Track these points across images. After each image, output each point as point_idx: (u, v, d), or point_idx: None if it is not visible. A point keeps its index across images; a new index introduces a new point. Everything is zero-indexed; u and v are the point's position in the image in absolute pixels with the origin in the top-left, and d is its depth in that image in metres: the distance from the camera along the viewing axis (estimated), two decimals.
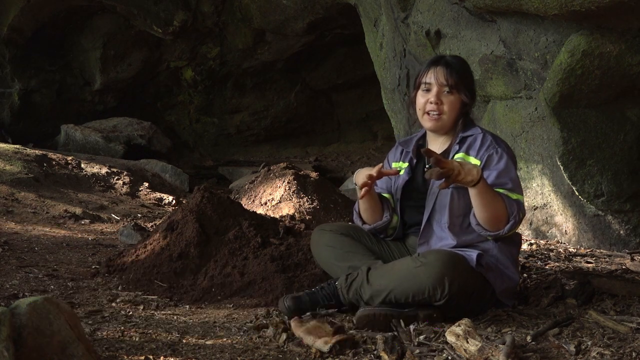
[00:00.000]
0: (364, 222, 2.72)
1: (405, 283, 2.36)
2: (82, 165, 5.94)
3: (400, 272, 2.39)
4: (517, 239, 2.66)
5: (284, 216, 3.87)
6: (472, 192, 2.37)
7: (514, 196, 2.44)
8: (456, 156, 2.55)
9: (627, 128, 3.61)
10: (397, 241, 2.75)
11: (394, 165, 2.76)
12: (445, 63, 2.57)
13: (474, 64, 4.03)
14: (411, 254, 2.57)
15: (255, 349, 2.20)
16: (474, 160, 2.51)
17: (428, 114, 2.57)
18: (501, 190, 2.43)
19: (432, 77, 2.56)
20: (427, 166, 2.61)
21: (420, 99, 2.59)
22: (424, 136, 2.74)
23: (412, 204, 2.66)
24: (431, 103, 2.55)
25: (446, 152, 2.60)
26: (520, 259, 3.46)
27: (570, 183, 3.73)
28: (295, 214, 4.50)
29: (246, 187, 5.39)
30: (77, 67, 8.68)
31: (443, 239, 2.53)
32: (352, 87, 9.35)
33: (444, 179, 2.29)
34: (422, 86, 2.58)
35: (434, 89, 2.55)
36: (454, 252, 2.43)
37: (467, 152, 2.55)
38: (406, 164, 2.70)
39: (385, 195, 2.73)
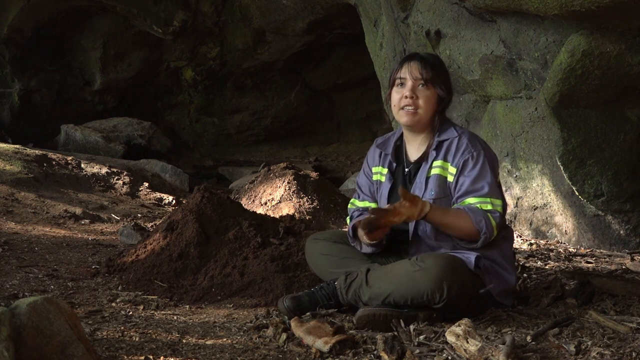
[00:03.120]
0: (361, 246, 2.64)
1: (403, 286, 2.35)
2: (82, 165, 5.94)
3: (399, 276, 2.37)
4: (509, 236, 2.62)
5: (284, 216, 3.87)
6: (428, 221, 2.42)
7: (487, 206, 2.40)
8: (434, 163, 2.51)
9: (627, 128, 3.61)
10: (391, 246, 2.71)
11: (374, 169, 2.72)
12: (420, 58, 2.54)
13: (474, 64, 4.03)
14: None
15: (255, 349, 2.20)
16: (451, 169, 2.47)
17: (403, 109, 2.51)
18: (473, 201, 2.40)
19: (407, 72, 2.51)
20: (406, 170, 2.58)
21: (395, 95, 2.54)
22: (401, 136, 2.68)
23: None
24: (406, 97, 2.49)
25: (424, 156, 2.56)
26: (520, 259, 3.46)
27: (570, 183, 3.73)
28: (295, 214, 4.50)
29: (246, 187, 5.39)
30: (77, 67, 8.68)
31: (434, 248, 2.51)
32: (352, 87, 9.35)
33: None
34: (397, 81, 2.54)
35: (409, 84, 2.50)
36: (452, 255, 2.41)
37: (444, 159, 2.50)
38: (386, 170, 2.65)
39: (373, 204, 2.69)
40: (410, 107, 2.50)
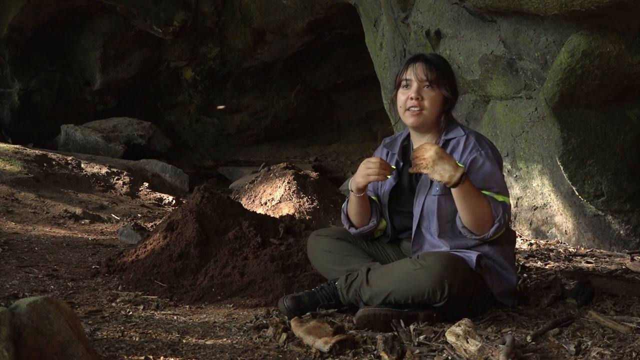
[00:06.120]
0: (351, 225, 2.69)
1: (404, 285, 2.35)
2: (82, 165, 5.94)
3: (400, 274, 2.38)
4: (512, 237, 2.64)
5: (284, 216, 3.87)
6: (454, 194, 2.37)
7: (500, 198, 2.42)
8: None
9: (627, 128, 3.61)
10: (393, 244, 2.73)
11: None
12: (425, 59, 2.55)
13: (474, 64, 4.03)
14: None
15: (255, 349, 2.20)
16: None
17: (409, 110, 2.53)
18: (487, 193, 2.42)
19: (412, 74, 2.53)
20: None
21: (401, 96, 2.56)
22: (408, 136, 2.71)
23: (400, 209, 2.64)
24: (412, 99, 2.51)
25: None
26: (520, 259, 3.46)
27: (570, 183, 3.73)
28: (295, 214, 4.50)
29: (246, 187, 5.39)
30: (77, 67, 8.68)
31: (436, 246, 2.51)
32: (352, 87, 9.35)
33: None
34: (402, 83, 2.56)
35: (414, 85, 2.52)
36: (453, 254, 2.42)
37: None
38: (393, 167, 2.67)
39: (373, 197, 2.70)
40: (415, 108, 2.52)
